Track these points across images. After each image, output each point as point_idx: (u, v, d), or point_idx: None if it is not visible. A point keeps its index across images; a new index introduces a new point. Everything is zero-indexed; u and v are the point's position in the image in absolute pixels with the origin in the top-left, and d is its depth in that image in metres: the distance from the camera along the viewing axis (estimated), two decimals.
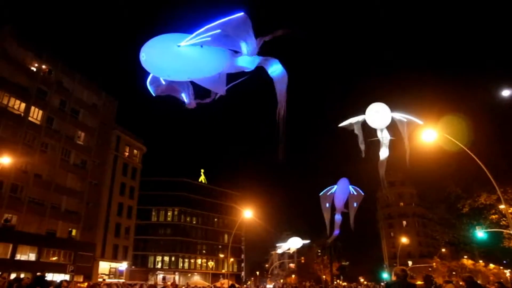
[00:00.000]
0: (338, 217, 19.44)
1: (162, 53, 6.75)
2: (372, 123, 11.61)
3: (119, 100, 56.52)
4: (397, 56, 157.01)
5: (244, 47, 7.63)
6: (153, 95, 8.26)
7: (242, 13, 6.60)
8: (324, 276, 74.28)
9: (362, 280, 75.71)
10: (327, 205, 18.94)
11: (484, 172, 16.45)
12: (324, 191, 19.20)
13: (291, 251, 25.78)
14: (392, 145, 11.96)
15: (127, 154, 57.18)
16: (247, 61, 8.52)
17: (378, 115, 11.39)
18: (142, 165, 60.93)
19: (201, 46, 6.83)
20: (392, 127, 11.71)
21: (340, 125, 12.30)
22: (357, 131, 12.05)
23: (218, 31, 6.56)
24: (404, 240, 67.81)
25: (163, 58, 6.79)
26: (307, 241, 23.67)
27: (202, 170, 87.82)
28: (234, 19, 6.66)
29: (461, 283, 8.97)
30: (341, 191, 19.01)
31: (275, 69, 9.04)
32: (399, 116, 11.44)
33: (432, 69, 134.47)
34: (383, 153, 11.91)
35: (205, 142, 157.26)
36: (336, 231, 20.06)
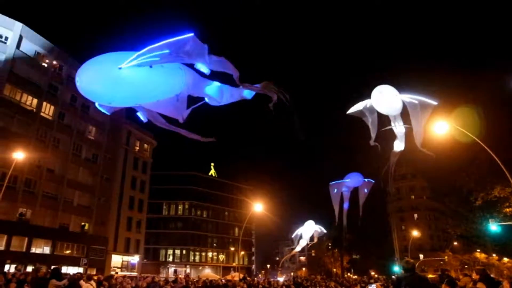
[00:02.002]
0: (345, 190, 19.26)
1: (99, 77, 5.80)
2: (379, 106, 10.84)
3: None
4: (407, 47, 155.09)
5: (199, 66, 6.87)
6: (144, 121, 7.45)
7: (191, 34, 6.00)
8: (334, 269, 74.37)
9: (373, 273, 75.48)
10: (335, 190, 18.80)
11: (498, 165, 16.20)
12: (334, 182, 19.11)
13: (307, 241, 25.14)
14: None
15: (137, 148, 57.61)
16: (214, 90, 7.83)
17: (382, 96, 10.51)
18: (153, 159, 61.35)
19: (150, 67, 5.93)
20: (407, 115, 10.66)
21: (349, 112, 11.56)
22: (368, 119, 11.24)
23: (167, 51, 5.85)
24: (415, 233, 67.38)
25: (101, 83, 5.82)
26: (321, 228, 23.22)
27: (212, 164, 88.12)
28: (182, 40, 6.01)
29: (473, 276, 8.85)
30: (352, 183, 18.94)
31: (246, 93, 8.56)
32: (408, 98, 10.36)
33: (443, 60, 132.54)
34: (398, 145, 11.34)
35: (214, 136, 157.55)
36: (346, 204, 19.77)
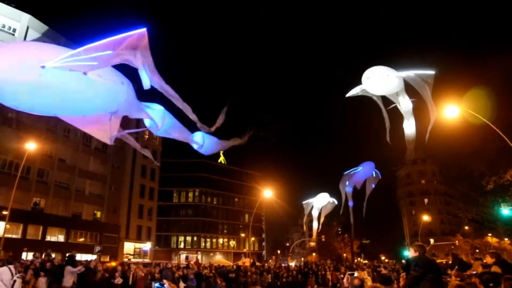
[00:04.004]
0: (349, 189, 19.47)
1: (7, 73, 4.33)
2: (372, 90, 10.49)
3: (137, 83, 56.84)
4: (416, 30, 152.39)
5: (142, 70, 5.74)
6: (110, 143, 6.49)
7: (144, 29, 5.01)
8: (345, 254, 74.69)
9: (383, 258, 75.75)
10: (347, 183, 18.96)
11: (510, 148, 15.95)
12: (349, 171, 19.22)
13: (319, 210, 24.34)
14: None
15: (147, 137, 57.92)
16: (156, 114, 6.94)
17: (371, 81, 10.09)
18: (162, 147, 61.69)
19: (85, 73, 4.86)
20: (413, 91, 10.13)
21: (348, 95, 11.27)
22: (374, 98, 10.92)
23: (109, 52, 4.77)
24: (425, 218, 67.19)
25: (14, 80, 4.38)
26: (334, 200, 22.71)
27: (221, 151, 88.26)
28: (132, 36, 4.99)
29: (485, 260, 8.77)
30: (364, 172, 18.98)
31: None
32: (404, 74, 9.88)
33: (453, 42, 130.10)
34: (408, 126, 10.62)
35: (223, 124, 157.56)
36: (350, 203, 20.14)
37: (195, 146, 8.49)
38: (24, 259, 24.72)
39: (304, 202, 24.33)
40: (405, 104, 10.50)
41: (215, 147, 8.67)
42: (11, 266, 10.30)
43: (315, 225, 24.56)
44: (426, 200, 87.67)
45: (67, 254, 17.74)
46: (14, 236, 34.23)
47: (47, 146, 36.79)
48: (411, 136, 10.48)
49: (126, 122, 6.90)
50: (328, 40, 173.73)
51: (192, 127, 8.15)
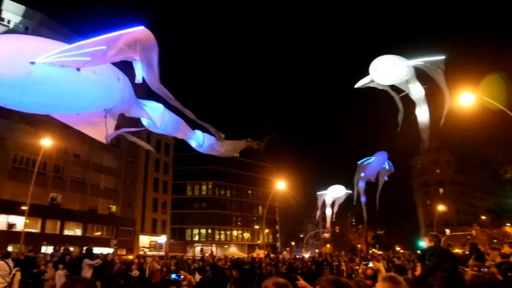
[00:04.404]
0: (361, 184, 19.35)
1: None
2: (381, 81, 10.23)
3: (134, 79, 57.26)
4: (426, 15, 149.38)
5: (139, 70, 5.52)
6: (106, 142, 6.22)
7: (141, 27, 4.82)
8: (359, 245, 74.45)
9: (398, 248, 75.30)
10: (362, 174, 18.80)
11: None
12: (362, 160, 19.06)
13: (333, 200, 24.05)
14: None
15: None
16: (154, 112, 6.60)
17: (378, 72, 9.85)
18: (175, 140, 62.06)
19: (78, 69, 4.62)
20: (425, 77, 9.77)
21: (356, 86, 10.98)
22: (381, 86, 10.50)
23: (103, 47, 4.55)
24: (441, 208, 66.38)
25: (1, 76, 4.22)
26: (349, 191, 22.40)
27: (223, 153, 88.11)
28: (129, 33, 4.76)
29: (503, 250, 8.59)
30: (377, 163, 18.79)
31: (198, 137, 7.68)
32: (414, 62, 9.58)
33: (467, 27, 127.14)
34: (421, 113, 10.24)
35: (235, 116, 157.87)
36: (363, 198, 20.06)
37: (193, 144, 8.35)
38: (44, 252, 25.29)
39: (318, 193, 24.15)
40: (416, 91, 10.18)
41: (216, 148, 8.48)
42: (8, 260, 10.42)
43: (328, 212, 24.40)
44: (441, 190, 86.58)
45: (85, 248, 18.10)
46: (33, 230, 35.04)
47: (62, 142, 37.34)
48: (425, 123, 10.13)
49: (124, 119, 6.73)
50: (338, 29, 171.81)
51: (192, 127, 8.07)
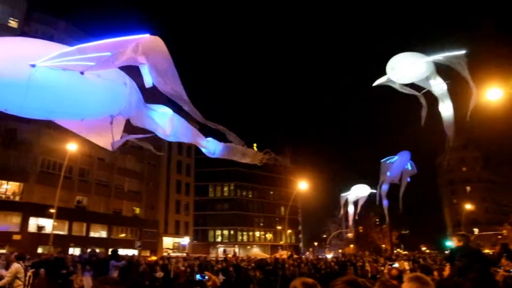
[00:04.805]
0: (385, 187, 19.09)
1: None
2: (399, 80, 9.98)
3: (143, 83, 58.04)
4: (448, 8, 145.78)
5: (147, 75, 5.32)
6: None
7: (147, 35, 4.65)
8: (383, 245, 73.28)
9: (424, 248, 73.70)
10: (388, 174, 18.50)
11: None
12: (385, 159, 18.78)
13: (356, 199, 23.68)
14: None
15: None
16: (163, 119, 6.28)
17: (396, 72, 9.58)
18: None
19: (82, 73, 4.44)
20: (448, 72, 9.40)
21: (374, 84, 10.83)
22: (399, 87, 10.31)
23: (107, 54, 4.40)
24: (468, 206, 64.60)
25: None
26: (373, 191, 21.95)
27: (255, 144, 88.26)
28: (135, 40, 4.56)
29: None
30: (400, 163, 18.46)
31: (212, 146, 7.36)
32: (432, 58, 9.22)
33: (493, 20, 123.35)
34: (445, 108, 9.85)
35: (256, 117, 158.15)
36: (385, 202, 19.88)
37: (205, 151, 8.08)
38: (71, 254, 25.91)
39: (342, 195, 23.89)
40: (438, 86, 9.83)
41: (228, 154, 8.25)
42: (23, 262, 10.64)
43: (351, 209, 24.09)
44: (468, 188, 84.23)
45: (111, 249, 18.49)
46: (61, 232, 36.01)
47: (86, 146, 38.19)
48: (450, 119, 9.75)
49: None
50: (356, 27, 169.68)
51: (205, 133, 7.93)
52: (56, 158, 35.52)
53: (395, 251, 63.09)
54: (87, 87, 4.67)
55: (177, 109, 6.57)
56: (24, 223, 34.43)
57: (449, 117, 9.81)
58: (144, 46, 4.75)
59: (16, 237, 33.01)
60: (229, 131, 7.61)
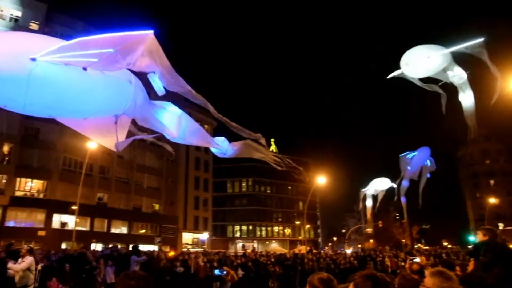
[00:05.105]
0: (405, 183, 18.84)
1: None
2: (414, 75, 9.64)
3: (187, 77, 58.37)
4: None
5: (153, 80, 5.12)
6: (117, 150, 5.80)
7: (151, 31, 4.42)
8: (404, 240, 72.31)
9: (445, 243, 72.41)
10: (408, 168, 18.25)
11: None
12: (404, 154, 18.54)
13: (376, 193, 23.42)
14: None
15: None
16: (170, 119, 6.00)
17: (410, 67, 9.25)
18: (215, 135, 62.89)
19: (85, 69, 4.28)
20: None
21: (389, 77, 10.44)
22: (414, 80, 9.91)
23: (110, 50, 4.19)
24: (492, 200, 63.06)
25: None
26: (393, 184, 21.59)
27: (273, 140, 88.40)
28: (137, 36, 4.35)
29: None
30: (419, 158, 18.17)
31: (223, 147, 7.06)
32: (449, 51, 8.82)
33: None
34: (466, 98, 9.46)
35: (273, 112, 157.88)
36: (403, 198, 19.69)
37: (215, 151, 7.81)
38: (93, 249, 26.50)
39: (362, 190, 23.64)
40: (458, 76, 9.46)
41: (241, 151, 7.89)
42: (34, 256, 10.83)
43: (369, 203, 23.81)
44: (492, 182, 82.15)
45: (131, 245, 18.81)
46: (83, 229, 36.82)
47: None
48: (471, 109, 9.38)
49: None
50: (376, 17, 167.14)
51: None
52: (77, 156, 36.24)
53: (415, 246, 62.23)
54: (90, 84, 4.48)
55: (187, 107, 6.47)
56: (48, 219, 35.34)
57: (470, 108, 9.47)
58: (148, 49, 4.57)
59: (41, 233, 33.98)
60: (241, 127, 7.37)
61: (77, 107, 4.72)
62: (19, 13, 36.23)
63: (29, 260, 9.89)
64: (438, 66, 9.26)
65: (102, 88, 4.69)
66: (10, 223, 33.20)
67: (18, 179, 34.97)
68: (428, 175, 18.48)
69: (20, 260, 9.89)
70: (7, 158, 33.87)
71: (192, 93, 5.79)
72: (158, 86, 5.29)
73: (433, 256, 25.38)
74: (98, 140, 5.97)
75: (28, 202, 35.07)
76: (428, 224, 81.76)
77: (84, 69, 4.26)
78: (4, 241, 24.07)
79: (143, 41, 4.43)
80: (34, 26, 36.88)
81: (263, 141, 8.03)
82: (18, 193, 34.77)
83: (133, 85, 5.16)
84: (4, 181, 33.32)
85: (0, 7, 35.49)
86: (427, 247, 53.34)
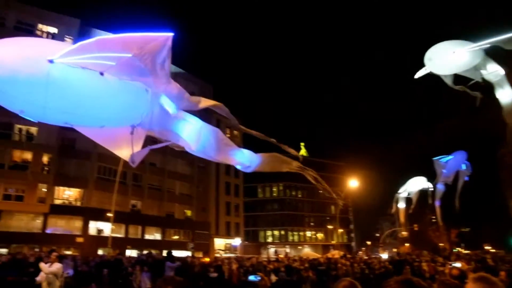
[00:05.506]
0: (440, 187, 18.31)
1: (13, 70, 3.74)
2: (440, 72, 9.27)
3: (213, 84, 59.19)
4: None
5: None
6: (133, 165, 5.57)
7: (171, 34, 4.27)
8: (442, 244, 69.80)
9: (488, 247, 69.25)
10: (444, 171, 17.73)
11: None
12: (438, 157, 18.03)
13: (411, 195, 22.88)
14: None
15: (228, 135, 59.79)
16: (190, 131, 5.76)
17: (434, 63, 8.88)
18: (243, 144, 63.16)
19: (102, 74, 4.19)
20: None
21: (416, 76, 10.02)
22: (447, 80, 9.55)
23: (129, 54, 4.08)
24: None
25: (13, 79, 3.77)
26: (429, 184, 20.93)
27: (303, 144, 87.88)
28: (156, 38, 4.24)
29: None
30: (454, 162, 17.62)
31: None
32: (478, 46, 8.34)
33: None
34: (504, 95, 9.03)
35: (303, 115, 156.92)
36: (437, 202, 19.15)
37: (239, 166, 7.43)
38: (129, 256, 27.11)
39: (399, 191, 23.13)
40: (494, 72, 9.00)
41: (267, 164, 7.47)
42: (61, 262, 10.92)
43: (401, 205, 23.21)
44: None
45: (165, 251, 19.14)
46: (118, 235, 37.80)
47: None
48: (510, 106, 8.89)
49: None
50: (404, 14, 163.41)
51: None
52: (111, 165, 37.29)
53: (455, 250, 59.93)
54: (107, 89, 4.42)
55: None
56: (85, 226, 36.53)
57: (509, 104, 9.04)
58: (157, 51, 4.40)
59: (79, 239, 35.18)
60: (266, 136, 7.23)
61: (94, 113, 4.64)
62: (55, 30, 38.02)
63: (57, 265, 10.00)
64: (466, 63, 8.84)
65: (119, 94, 4.62)
66: (50, 230, 34.58)
67: (56, 188, 36.39)
68: (467, 178, 17.88)
69: (48, 265, 9.96)
70: (46, 168, 35.36)
71: (198, 106, 5.59)
72: (169, 106, 5.18)
73: (474, 260, 24.33)
74: (115, 151, 5.67)
75: (66, 210, 36.44)
76: (468, 227, 78.63)
77: (101, 73, 4.21)
78: (46, 247, 25.13)
79: (162, 45, 4.32)
80: (68, 41, 38.46)
81: (291, 150, 7.91)
82: (57, 201, 36.19)
83: (150, 93, 5.05)
84: (44, 190, 34.77)
85: (39, 25, 37.49)
86: (467, 251, 51.22)
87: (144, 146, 5.67)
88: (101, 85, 4.28)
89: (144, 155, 5.80)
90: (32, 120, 4.64)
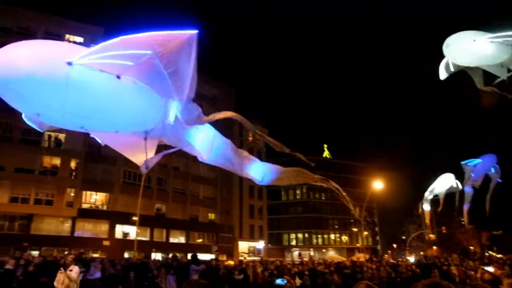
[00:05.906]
0: (469, 190, 17.77)
1: (31, 71, 3.70)
2: (459, 60, 8.81)
3: (236, 87, 59.44)
4: None
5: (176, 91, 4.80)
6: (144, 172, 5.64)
7: (195, 31, 4.17)
8: (472, 247, 67.62)
9: None
10: (472, 175, 17.23)
11: None
12: (467, 161, 17.54)
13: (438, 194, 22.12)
14: None
15: (251, 139, 59.92)
16: (203, 140, 5.73)
17: (451, 50, 8.43)
18: (266, 148, 63.20)
19: (118, 77, 4.14)
20: None
21: (441, 77, 9.60)
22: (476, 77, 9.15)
23: (149, 52, 4.01)
24: None
25: (32, 82, 3.72)
26: (458, 182, 20.15)
27: (325, 145, 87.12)
28: (179, 36, 4.13)
29: None
30: (483, 166, 17.10)
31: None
32: (502, 35, 7.74)
33: None
34: None
35: (326, 117, 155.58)
36: (466, 205, 18.62)
37: (253, 177, 7.29)
38: (154, 259, 27.46)
39: (428, 189, 22.48)
40: None
41: (283, 176, 7.62)
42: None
43: (427, 207, 22.57)
44: None
45: (190, 254, 19.30)
46: (144, 238, 38.42)
47: (163, 156, 40.40)
48: None
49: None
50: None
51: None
52: (136, 170, 37.72)
53: (486, 254, 57.93)
54: (122, 92, 4.40)
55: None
56: (112, 230, 37.32)
57: None
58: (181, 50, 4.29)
59: (106, 243, 35.96)
60: (282, 145, 7.12)
61: (109, 117, 4.62)
62: (81, 39, 39.20)
63: (76, 269, 10.14)
64: (489, 56, 8.26)
65: (134, 98, 4.60)
66: (78, 233, 35.49)
67: (84, 192, 37.38)
68: (500, 180, 17.36)
69: (68, 269, 10.05)
70: (74, 173, 36.36)
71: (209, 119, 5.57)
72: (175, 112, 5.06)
73: (508, 265, 23.41)
74: (130, 157, 5.76)
75: (93, 214, 37.36)
76: (500, 230, 75.85)
77: (118, 77, 4.17)
78: (74, 250, 25.77)
79: (186, 43, 4.21)
80: None
81: (304, 158, 7.80)
82: (84, 206, 37.16)
83: (164, 100, 5.02)
84: (72, 194, 35.76)
85: (66, 36, 38.90)
86: (500, 255, 49.42)
87: (157, 152, 5.74)
88: (117, 88, 4.25)
89: (157, 161, 5.98)
90: (47, 124, 4.62)
